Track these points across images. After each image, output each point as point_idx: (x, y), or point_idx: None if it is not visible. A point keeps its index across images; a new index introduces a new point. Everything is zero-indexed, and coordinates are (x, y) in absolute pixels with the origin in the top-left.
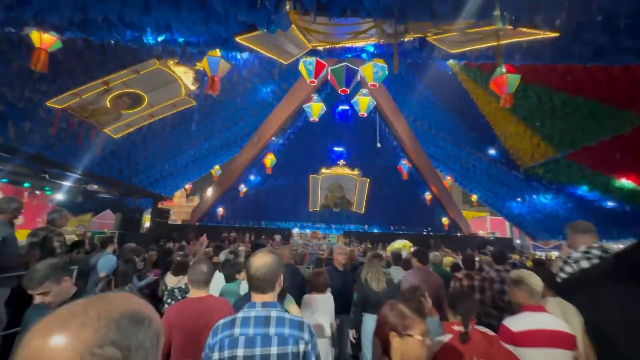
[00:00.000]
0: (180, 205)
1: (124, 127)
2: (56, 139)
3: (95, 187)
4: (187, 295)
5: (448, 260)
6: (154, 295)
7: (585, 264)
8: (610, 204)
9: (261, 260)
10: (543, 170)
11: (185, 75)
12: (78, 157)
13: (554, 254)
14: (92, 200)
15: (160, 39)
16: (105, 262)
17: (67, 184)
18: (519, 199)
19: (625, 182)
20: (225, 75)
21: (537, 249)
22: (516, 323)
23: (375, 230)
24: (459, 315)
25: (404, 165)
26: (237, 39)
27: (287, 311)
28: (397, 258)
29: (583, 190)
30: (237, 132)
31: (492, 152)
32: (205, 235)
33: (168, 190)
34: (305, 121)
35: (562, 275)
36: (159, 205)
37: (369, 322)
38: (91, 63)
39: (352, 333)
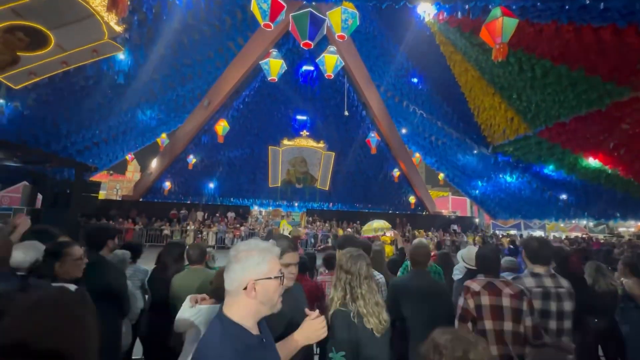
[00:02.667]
0: (132, 181)
1: (25, 75)
2: None
3: None
4: None
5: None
6: None
7: None
8: (572, 183)
9: None
10: (512, 148)
11: (104, 9)
12: None
13: (511, 232)
14: None
15: None
16: None
17: None
18: (485, 178)
19: (591, 162)
20: (163, 18)
21: (497, 227)
22: None
23: (340, 209)
24: None
25: (373, 138)
26: None
27: None
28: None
29: (549, 169)
30: (185, 94)
31: (463, 127)
32: (25, 212)
33: (104, 162)
34: (263, 82)
35: None
36: (95, 179)
37: None
38: None
39: None
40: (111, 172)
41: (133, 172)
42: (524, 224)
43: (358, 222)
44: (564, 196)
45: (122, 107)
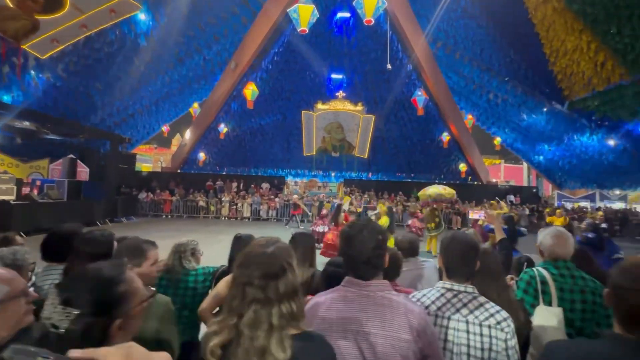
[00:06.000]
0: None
1: (49, 43)
2: None
3: (26, 124)
4: None
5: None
6: None
7: None
8: None
9: None
10: (599, 101)
11: None
12: None
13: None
14: (46, 143)
15: None
16: None
17: None
18: (555, 141)
19: None
20: None
21: (564, 198)
22: None
23: (380, 179)
24: None
25: (420, 97)
26: None
27: None
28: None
29: None
30: (212, 58)
31: (533, 79)
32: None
33: (142, 134)
34: (292, 36)
35: None
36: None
37: None
38: None
39: None
40: (155, 145)
41: (177, 145)
42: (599, 195)
43: (400, 192)
44: None
45: (150, 75)
